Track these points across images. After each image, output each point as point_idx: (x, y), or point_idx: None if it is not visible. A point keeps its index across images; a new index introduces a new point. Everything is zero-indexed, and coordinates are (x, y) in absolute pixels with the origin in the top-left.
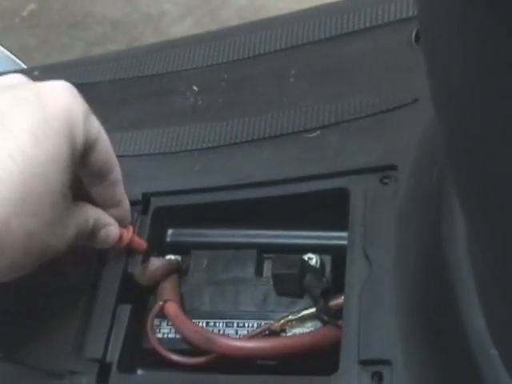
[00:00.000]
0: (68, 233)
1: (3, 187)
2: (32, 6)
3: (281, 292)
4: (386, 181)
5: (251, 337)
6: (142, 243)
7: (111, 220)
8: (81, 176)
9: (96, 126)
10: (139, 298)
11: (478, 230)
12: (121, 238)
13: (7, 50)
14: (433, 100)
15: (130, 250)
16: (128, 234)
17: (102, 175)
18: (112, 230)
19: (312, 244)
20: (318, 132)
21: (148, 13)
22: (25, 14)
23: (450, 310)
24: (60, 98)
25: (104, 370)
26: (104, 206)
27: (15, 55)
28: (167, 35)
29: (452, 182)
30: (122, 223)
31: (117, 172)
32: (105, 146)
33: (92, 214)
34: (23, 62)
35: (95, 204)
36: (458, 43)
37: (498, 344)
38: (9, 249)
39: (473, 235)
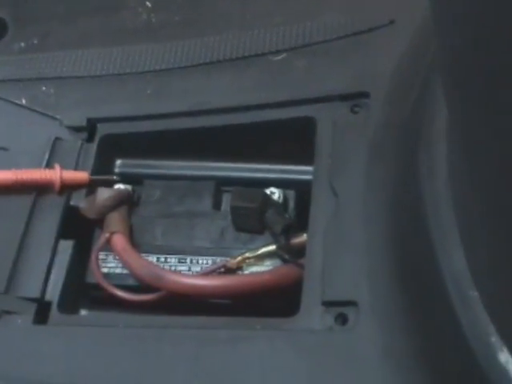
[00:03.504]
0: None
1: None
2: None
3: (239, 227)
4: (356, 109)
5: (204, 274)
6: (79, 176)
7: None
8: None
9: None
10: (83, 233)
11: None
12: (51, 182)
13: None
14: None
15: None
16: (56, 175)
17: None
18: None
19: (275, 178)
20: (284, 55)
21: None
22: None
23: (424, 249)
24: None
25: (42, 309)
26: None
27: None
28: None
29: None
30: None
31: None
32: None
33: None
34: None
35: None
36: None
37: (481, 285)
38: None
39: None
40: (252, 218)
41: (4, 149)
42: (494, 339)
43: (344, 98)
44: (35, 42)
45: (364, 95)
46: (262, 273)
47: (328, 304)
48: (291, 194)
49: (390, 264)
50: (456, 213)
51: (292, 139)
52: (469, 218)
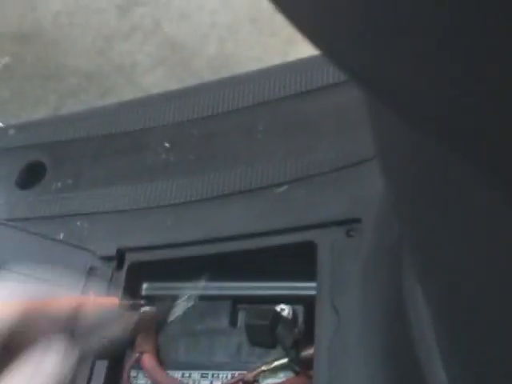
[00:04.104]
0: None
1: None
2: (6, 60)
3: (254, 343)
4: (351, 233)
5: None
6: (110, 301)
7: None
8: None
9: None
10: (115, 352)
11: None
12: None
13: None
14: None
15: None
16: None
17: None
18: None
19: (284, 295)
20: (286, 186)
21: (120, 64)
22: None
23: (413, 365)
24: None
25: None
26: None
27: None
28: (140, 85)
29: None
30: None
31: None
32: None
33: None
34: None
35: None
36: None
37: None
38: None
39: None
40: (264, 334)
41: (44, 280)
42: None
43: (339, 223)
44: (70, 181)
45: (357, 221)
46: None
47: None
48: (300, 308)
49: (387, 377)
50: (437, 335)
51: (297, 260)
52: (448, 342)
